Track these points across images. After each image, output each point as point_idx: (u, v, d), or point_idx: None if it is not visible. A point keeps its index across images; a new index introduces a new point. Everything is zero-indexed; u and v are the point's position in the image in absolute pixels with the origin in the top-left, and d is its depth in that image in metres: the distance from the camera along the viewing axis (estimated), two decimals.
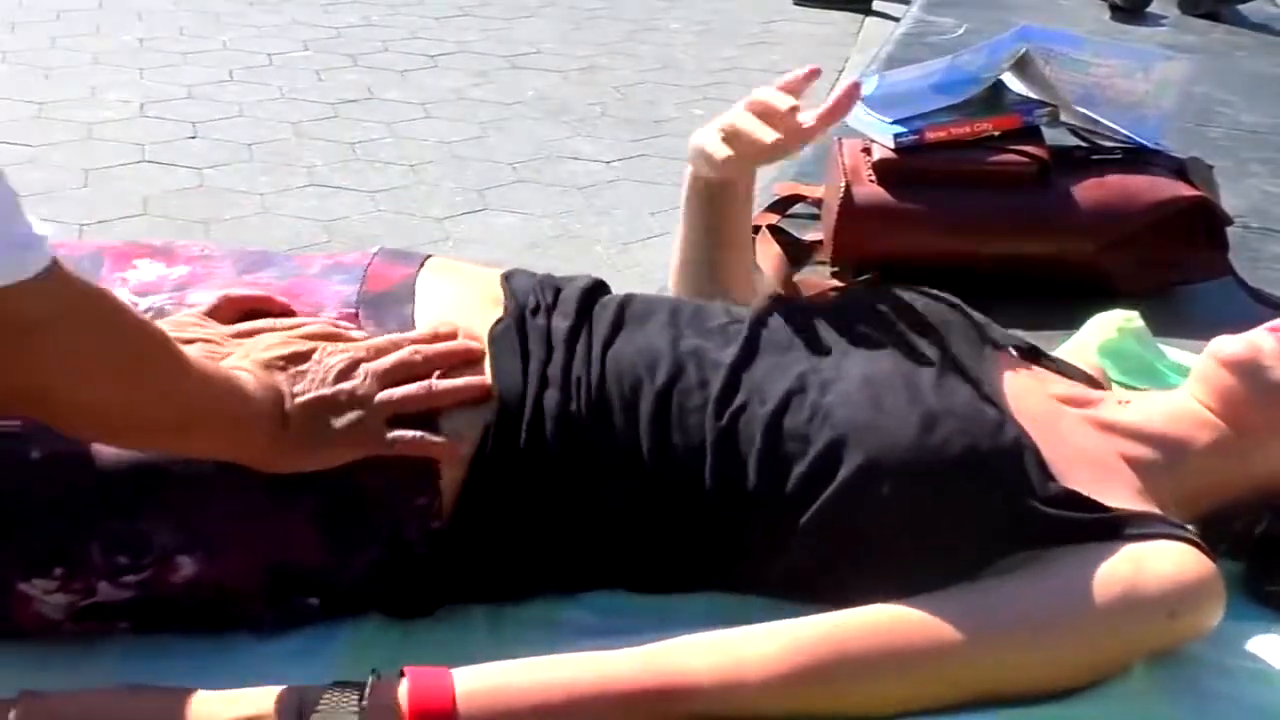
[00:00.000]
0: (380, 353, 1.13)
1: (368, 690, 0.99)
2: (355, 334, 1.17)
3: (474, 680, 1.01)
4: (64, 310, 0.88)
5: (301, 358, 1.10)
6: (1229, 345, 1.27)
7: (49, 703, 0.99)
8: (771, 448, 1.13)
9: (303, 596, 1.13)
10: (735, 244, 1.50)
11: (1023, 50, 2.00)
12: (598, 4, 5.45)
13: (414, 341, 1.16)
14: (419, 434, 1.11)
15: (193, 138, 4.03)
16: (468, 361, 1.16)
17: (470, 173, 3.91)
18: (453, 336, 1.18)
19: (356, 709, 0.98)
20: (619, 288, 1.35)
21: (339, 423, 1.09)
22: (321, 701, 0.99)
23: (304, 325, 1.15)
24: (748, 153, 1.34)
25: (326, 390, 1.09)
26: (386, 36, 5.09)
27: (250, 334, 1.14)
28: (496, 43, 5.04)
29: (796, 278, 1.93)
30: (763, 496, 1.13)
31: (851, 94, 1.32)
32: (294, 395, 1.08)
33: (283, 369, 1.09)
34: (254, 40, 4.91)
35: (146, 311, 1.16)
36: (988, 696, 1.07)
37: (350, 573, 1.12)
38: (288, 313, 1.19)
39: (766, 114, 1.31)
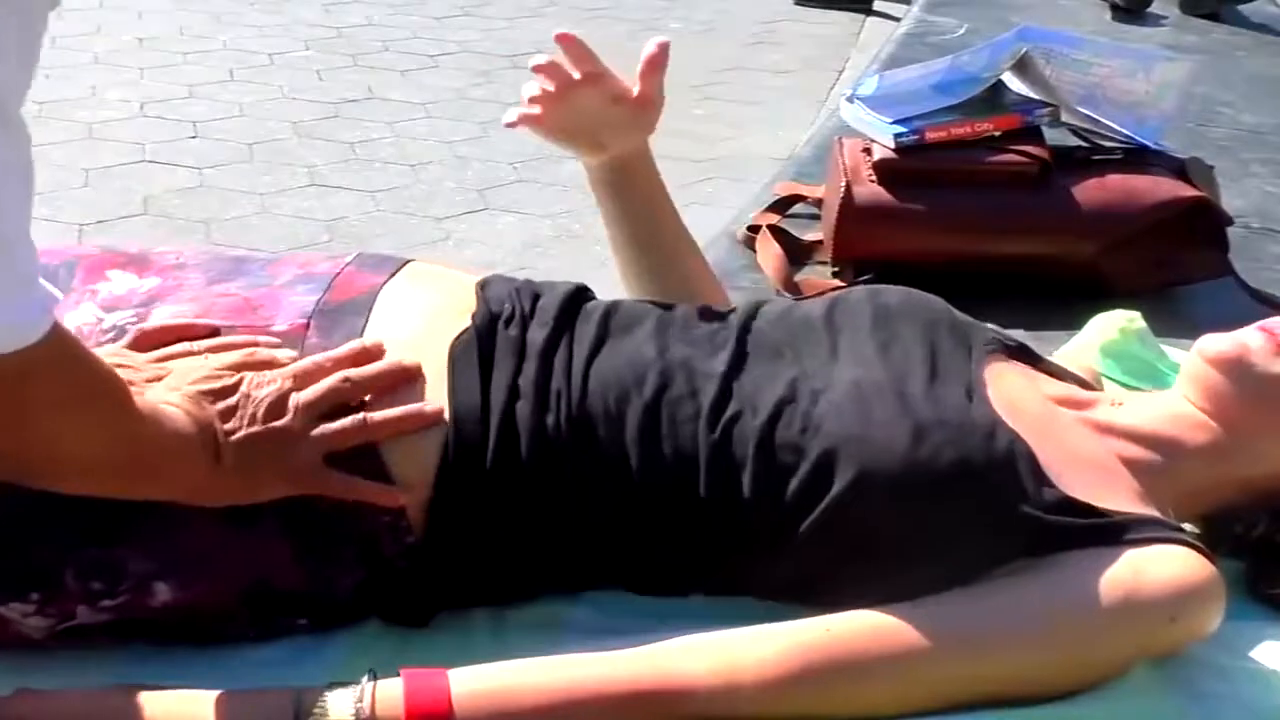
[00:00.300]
0: (306, 380, 1.09)
1: (364, 692, 0.98)
2: (282, 355, 1.13)
3: (471, 681, 1.01)
4: (59, 378, 0.86)
5: (229, 391, 1.06)
6: (1216, 343, 1.26)
7: (43, 701, 0.99)
8: (765, 461, 1.12)
9: (290, 617, 1.12)
10: (667, 247, 1.49)
11: (1023, 50, 2.01)
12: (599, 4, 5.45)
13: (337, 363, 1.11)
14: (354, 480, 1.08)
15: (193, 137, 4.04)
16: (406, 381, 1.13)
17: (471, 173, 3.91)
18: (380, 355, 1.13)
19: (353, 710, 0.98)
20: (618, 287, 1.35)
21: (272, 461, 1.06)
22: (318, 703, 0.98)
23: (226, 352, 1.11)
24: (558, 88, 1.40)
25: (257, 428, 1.06)
26: (387, 36, 5.09)
27: (166, 359, 1.11)
28: (497, 43, 5.04)
29: (797, 278, 1.93)
30: (758, 508, 1.12)
31: (663, 47, 1.41)
32: (226, 433, 1.04)
33: (211, 403, 1.05)
34: (255, 40, 4.92)
35: (109, 330, 1.15)
36: (985, 700, 1.06)
37: (336, 592, 1.11)
38: (212, 333, 1.14)
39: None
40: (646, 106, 1.42)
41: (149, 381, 1.07)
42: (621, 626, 1.12)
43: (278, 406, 1.07)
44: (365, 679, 1.00)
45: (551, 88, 1.40)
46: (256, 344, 1.13)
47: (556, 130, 1.44)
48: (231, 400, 1.06)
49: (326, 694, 0.99)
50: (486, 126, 4.22)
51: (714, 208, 3.27)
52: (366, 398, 1.11)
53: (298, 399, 1.08)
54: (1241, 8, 3.88)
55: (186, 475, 1.02)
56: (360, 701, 0.98)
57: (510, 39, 5.06)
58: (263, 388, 1.08)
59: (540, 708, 1.01)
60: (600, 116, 1.41)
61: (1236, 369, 1.23)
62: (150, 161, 3.85)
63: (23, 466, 0.93)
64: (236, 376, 1.08)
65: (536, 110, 1.42)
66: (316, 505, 1.08)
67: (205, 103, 4.28)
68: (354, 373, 1.11)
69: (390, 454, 1.10)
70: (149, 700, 1.00)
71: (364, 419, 1.09)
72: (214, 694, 1.01)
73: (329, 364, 1.11)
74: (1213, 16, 3.83)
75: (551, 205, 3.69)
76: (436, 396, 1.13)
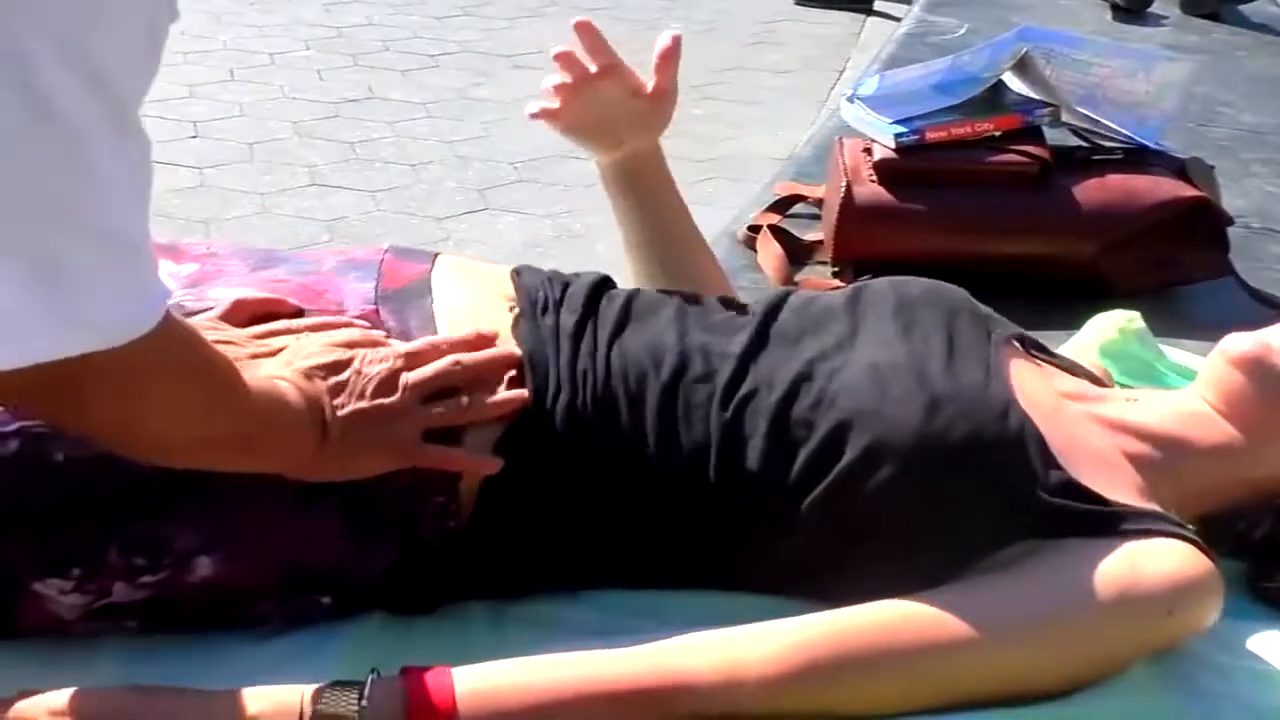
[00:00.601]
0: (418, 359, 1.12)
1: (367, 689, 0.99)
2: (383, 337, 1.15)
3: (474, 679, 1.01)
4: (170, 360, 0.89)
5: (341, 366, 1.09)
6: (1239, 343, 1.26)
7: (44, 701, 0.99)
8: (777, 434, 1.14)
9: (316, 595, 1.13)
10: (680, 247, 1.50)
11: (1023, 50, 2.01)
12: (599, 3, 5.45)
13: (452, 347, 1.15)
14: (453, 450, 1.11)
15: (194, 137, 4.04)
16: (510, 368, 1.16)
17: (471, 172, 3.91)
18: (491, 342, 1.16)
19: (356, 708, 0.98)
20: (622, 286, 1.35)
21: (378, 436, 1.08)
22: (321, 701, 0.99)
23: (335, 330, 1.14)
24: (575, 81, 1.40)
25: (366, 404, 1.08)
26: (388, 36, 5.09)
27: (268, 335, 1.13)
28: (498, 43, 5.04)
29: (797, 278, 1.93)
30: (767, 481, 1.13)
31: (676, 40, 1.43)
32: (334, 407, 1.07)
33: (323, 379, 1.08)
34: (255, 39, 4.92)
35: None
36: (986, 695, 1.07)
37: (366, 571, 1.12)
38: (298, 314, 1.18)
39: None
40: (661, 99, 1.43)
41: (256, 357, 1.10)
42: (624, 624, 1.12)
43: (388, 384, 1.10)
44: (369, 676, 1.00)
45: (569, 79, 1.40)
46: (351, 323, 1.16)
47: (574, 124, 1.45)
48: (343, 376, 1.09)
49: (330, 691, 0.99)
50: (487, 126, 4.22)
51: (714, 208, 3.28)
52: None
53: (408, 378, 1.11)
54: (1242, 8, 3.88)
55: (294, 449, 1.05)
56: (364, 699, 0.98)
57: (511, 39, 5.06)
58: (374, 365, 1.10)
59: (543, 705, 1.01)
60: (617, 110, 1.42)
61: (1258, 369, 1.24)
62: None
63: (132, 441, 0.95)
64: (350, 354, 1.10)
65: (556, 103, 1.42)
66: (376, 484, 1.09)
67: (205, 102, 4.28)
68: (465, 357, 1.14)
69: (467, 439, 1.12)
70: (151, 698, 1.01)
71: (469, 401, 1.12)
72: (215, 692, 1.01)
73: (444, 346, 1.14)
74: (1213, 16, 3.83)
75: (552, 205, 3.69)
76: (511, 381, 1.15)
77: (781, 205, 2.16)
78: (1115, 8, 3.78)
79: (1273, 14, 3.94)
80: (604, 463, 1.14)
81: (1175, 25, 3.75)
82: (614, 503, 1.14)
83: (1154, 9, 3.82)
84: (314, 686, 1.00)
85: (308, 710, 0.98)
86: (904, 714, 1.06)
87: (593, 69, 1.40)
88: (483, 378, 1.14)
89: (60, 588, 1.06)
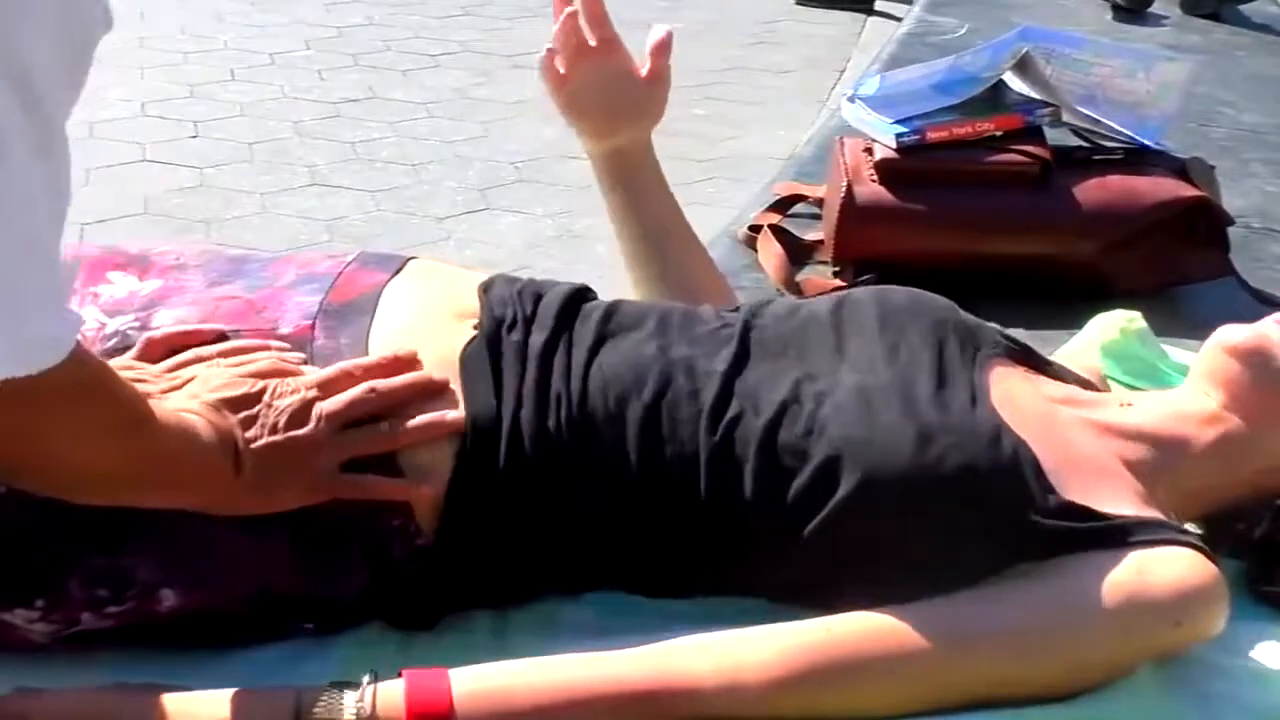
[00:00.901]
0: (331, 388, 1.09)
1: (365, 691, 0.99)
2: (293, 358, 1.12)
3: (472, 681, 1.01)
4: (80, 388, 0.86)
5: (251, 400, 1.05)
6: (1236, 334, 1.25)
7: (42, 701, 0.99)
8: (767, 462, 1.12)
9: (296, 621, 1.12)
10: (671, 239, 1.50)
11: (1024, 50, 2.01)
12: None
13: (367, 371, 1.11)
14: (373, 479, 1.09)
15: (194, 137, 4.04)
16: (432, 395, 1.12)
17: (472, 172, 3.91)
18: (411, 365, 1.13)
19: (354, 710, 0.98)
20: (618, 287, 1.35)
21: (292, 468, 1.06)
22: (319, 702, 0.98)
23: (246, 358, 1.11)
24: (577, 48, 1.43)
25: (279, 437, 1.05)
26: (388, 36, 5.09)
27: (179, 367, 1.10)
28: (498, 43, 5.04)
29: (798, 277, 1.93)
30: (759, 511, 1.12)
31: (669, 34, 1.47)
32: (246, 440, 1.03)
33: (233, 412, 1.04)
34: (255, 39, 4.92)
35: (112, 336, 1.14)
36: (989, 702, 1.06)
37: (341, 597, 1.11)
38: (220, 338, 1.14)
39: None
40: (656, 83, 1.44)
41: (166, 391, 1.06)
42: (622, 627, 1.12)
43: (301, 415, 1.06)
44: (366, 679, 1.00)
45: (568, 48, 1.42)
46: (268, 347, 1.12)
47: (573, 99, 1.45)
48: (254, 410, 1.05)
49: (327, 694, 0.99)
50: (488, 126, 4.22)
51: (715, 207, 3.27)
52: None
53: (321, 408, 1.07)
54: (1242, 8, 3.87)
55: (207, 485, 1.02)
56: (361, 701, 0.98)
57: (511, 38, 5.06)
58: (285, 397, 1.07)
59: (541, 708, 1.01)
60: (614, 91, 1.43)
61: (1256, 359, 1.23)
62: (151, 161, 3.86)
63: (41, 478, 0.93)
64: (260, 384, 1.07)
65: (562, 68, 1.44)
66: (325, 509, 1.08)
67: (206, 102, 4.28)
68: (381, 384, 1.10)
69: (405, 459, 1.10)
70: (149, 700, 1.00)
71: (387, 427, 1.09)
72: (214, 693, 1.00)
73: (358, 371, 1.11)
74: (1214, 16, 3.83)
75: (553, 205, 3.69)
76: (448, 403, 1.12)
77: (782, 205, 2.16)
78: (1116, 7, 3.78)
79: (1273, 14, 3.94)
80: (583, 482, 1.12)
81: (1176, 25, 3.75)
82: (597, 521, 1.13)
83: (1154, 9, 3.82)
84: (312, 687, 1.00)
85: (305, 712, 0.98)
86: (904, 718, 1.05)
87: (592, 42, 1.40)
88: (403, 402, 1.11)
89: (27, 617, 1.05)
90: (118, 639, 1.09)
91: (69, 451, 0.90)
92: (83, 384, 0.86)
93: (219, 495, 1.03)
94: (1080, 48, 2.12)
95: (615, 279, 1.43)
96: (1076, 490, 1.12)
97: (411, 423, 1.10)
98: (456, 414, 1.11)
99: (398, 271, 1.24)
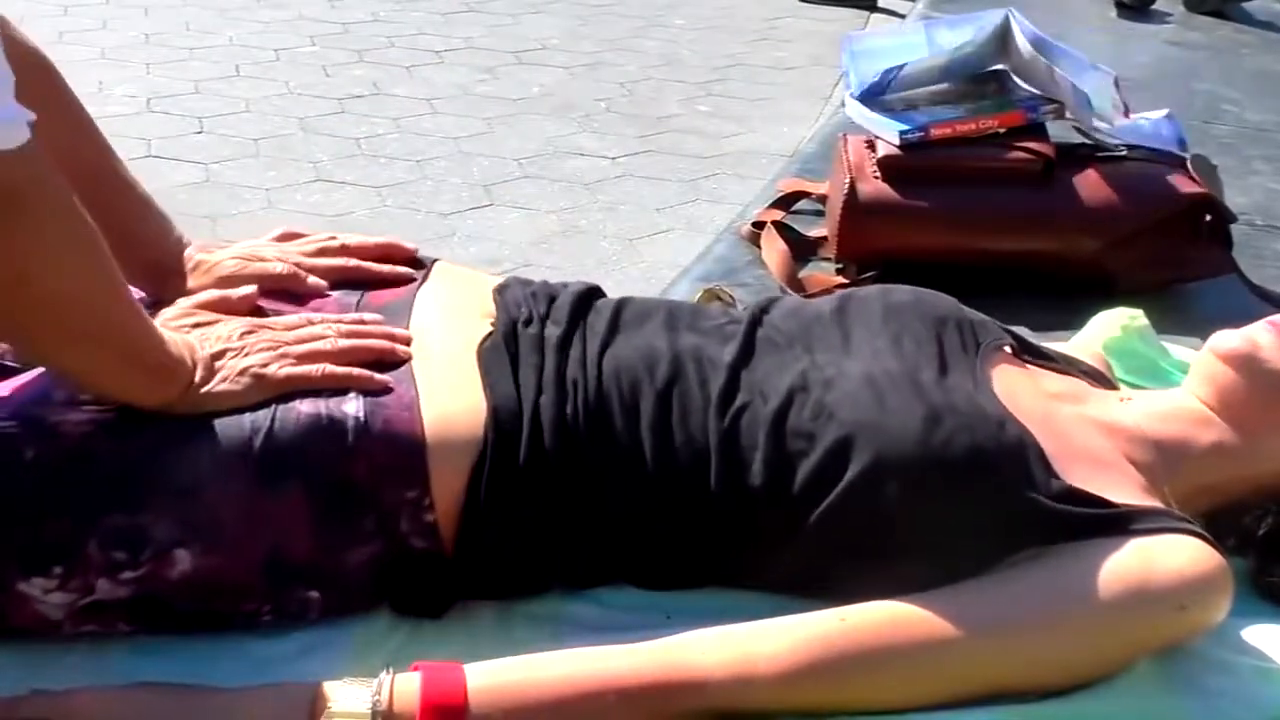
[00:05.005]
0: (293, 329, 1.19)
1: (380, 685, 0.99)
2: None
3: (486, 675, 1.02)
4: (39, 183, 0.91)
5: (208, 323, 1.19)
6: (1227, 340, 1.27)
7: (58, 701, 1.00)
8: (776, 446, 1.13)
9: (303, 589, 1.12)
10: None
11: (1004, 17, 2.01)
12: (603, 0, 5.45)
13: (336, 327, 1.20)
14: (324, 367, 1.15)
15: (199, 133, 4.04)
16: (387, 359, 1.17)
17: (476, 168, 3.91)
18: (378, 333, 1.20)
19: (369, 704, 0.98)
20: (624, 283, 1.36)
21: (239, 364, 1.14)
22: (334, 697, 0.99)
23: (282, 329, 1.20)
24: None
25: (232, 344, 1.16)
26: (393, 32, 5.09)
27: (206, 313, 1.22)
28: (503, 39, 5.04)
29: (801, 274, 1.94)
30: (769, 495, 1.13)
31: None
32: (201, 348, 1.14)
33: (188, 331, 1.17)
34: (261, 35, 4.92)
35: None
36: (997, 691, 1.07)
37: (349, 566, 1.12)
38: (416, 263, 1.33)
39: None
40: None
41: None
42: (631, 621, 1.13)
43: (253, 332, 1.18)
44: (382, 673, 1.01)
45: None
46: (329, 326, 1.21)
47: None
48: (211, 329, 1.18)
49: (342, 688, 1.00)
50: (492, 122, 4.22)
51: (718, 204, 3.28)
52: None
53: (276, 335, 1.18)
54: (1246, 5, 3.88)
55: (156, 378, 1.09)
56: (377, 695, 0.99)
57: (516, 34, 5.06)
58: (241, 323, 1.19)
59: (554, 701, 1.02)
60: None
61: (1247, 365, 1.24)
62: (156, 157, 3.86)
63: (29, 315, 0.98)
64: (215, 316, 1.20)
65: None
66: (344, 473, 1.09)
67: (211, 98, 4.28)
68: (344, 341, 1.18)
69: (430, 444, 1.12)
70: (163, 697, 1.01)
71: (324, 368, 1.15)
72: (226, 689, 1.01)
73: (319, 324, 1.21)
74: (1217, 14, 3.83)
75: (557, 201, 3.69)
76: (471, 395, 1.15)
77: (785, 201, 2.17)
78: (1120, 5, 3.78)
79: (1276, 11, 3.94)
80: (598, 469, 1.14)
81: (1179, 22, 3.76)
82: (611, 508, 1.14)
83: (1158, 6, 3.82)
84: (326, 682, 1.01)
85: (320, 706, 0.99)
86: (913, 708, 1.06)
87: None
88: (361, 360, 1.17)
89: (44, 586, 1.06)
90: (134, 623, 1.09)
91: (49, 276, 0.96)
92: (48, 183, 0.91)
93: (169, 395, 1.10)
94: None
95: (619, 275, 1.43)
96: (1080, 478, 1.13)
97: (345, 369, 1.15)
98: (382, 378, 1.15)
99: (427, 275, 1.32)
